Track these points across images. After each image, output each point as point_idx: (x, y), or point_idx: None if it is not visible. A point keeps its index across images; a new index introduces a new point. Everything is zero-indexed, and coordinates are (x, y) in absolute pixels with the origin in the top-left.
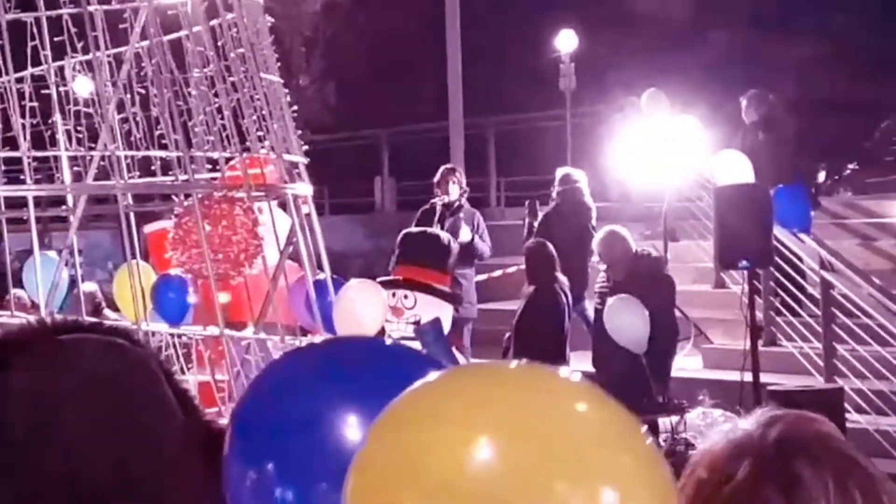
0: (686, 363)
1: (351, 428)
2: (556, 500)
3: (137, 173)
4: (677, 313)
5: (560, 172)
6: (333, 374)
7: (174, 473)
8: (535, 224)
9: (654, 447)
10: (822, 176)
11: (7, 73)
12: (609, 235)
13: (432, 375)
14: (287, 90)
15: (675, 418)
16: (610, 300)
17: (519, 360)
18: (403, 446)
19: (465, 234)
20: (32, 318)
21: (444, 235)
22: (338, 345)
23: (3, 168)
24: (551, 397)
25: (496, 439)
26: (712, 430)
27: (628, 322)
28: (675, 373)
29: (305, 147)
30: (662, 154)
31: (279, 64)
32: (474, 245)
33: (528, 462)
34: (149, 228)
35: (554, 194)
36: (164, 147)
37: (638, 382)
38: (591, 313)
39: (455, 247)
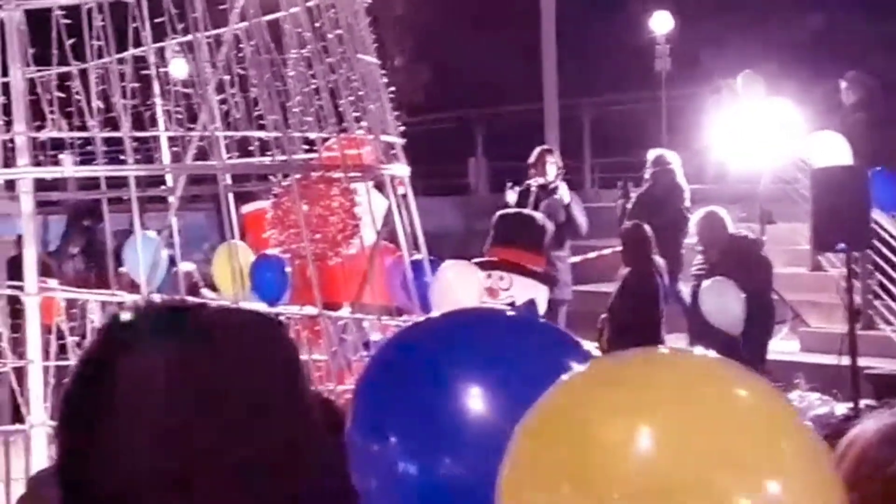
0: (783, 346)
1: (473, 400)
2: (720, 490)
3: (236, 154)
4: (774, 296)
5: (653, 154)
6: (455, 347)
7: (317, 447)
8: (628, 206)
9: (817, 436)
10: None
11: (108, 55)
12: (708, 216)
13: (585, 365)
14: (383, 71)
15: None
16: (705, 282)
17: (674, 347)
18: (563, 437)
19: (564, 195)
20: (135, 297)
21: (539, 216)
22: (458, 318)
23: (104, 148)
24: (711, 386)
25: (658, 430)
26: (808, 413)
27: (724, 304)
28: (771, 356)
29: (401, 128)
30: (758, 136)
31: (375, 45)
32: (573, 215)
33: (691, 452)
34: (247, 209)
35: (647, 176)
36: (262, 127)
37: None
38: (685, 295)
39: (550, 228)
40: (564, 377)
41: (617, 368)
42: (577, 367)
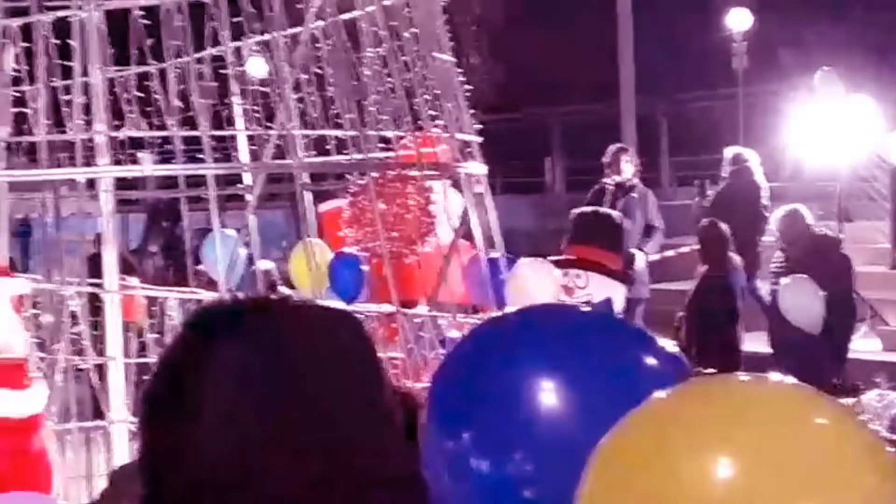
0: (863, 345)
1: (547, 396)
2: None
3: (313, 152)
4: (853, 294)
5: (730, 152)
6: (530, 343)
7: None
8: (706, 204)
9: None
10: None
11: (187, 55)
12: (790, 214)
13: (667, 392)
14: (459, 69)
15: (850, 400)
16: (784, 280)
17: (754, 375)
18: (643, 465)
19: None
20: (213, 295)
21: (617, 215)
22: (533, 314)
23: (183, 147)
24: (794, 416)
25: (739, 460)
26: (888, 413)
27: (803, 302)
28: (851, 354)
29: (477, 126)
30: (836, 134)
31: (451, 43)
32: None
33: (773, 484)
34: (324, 207)
35: (725, 174)
36: (338, 126)
37: (814, 363)
38: (764, 293)
39: (627, 226)
40: (646, 403)
41: (699, 396)
42: (659, 393)
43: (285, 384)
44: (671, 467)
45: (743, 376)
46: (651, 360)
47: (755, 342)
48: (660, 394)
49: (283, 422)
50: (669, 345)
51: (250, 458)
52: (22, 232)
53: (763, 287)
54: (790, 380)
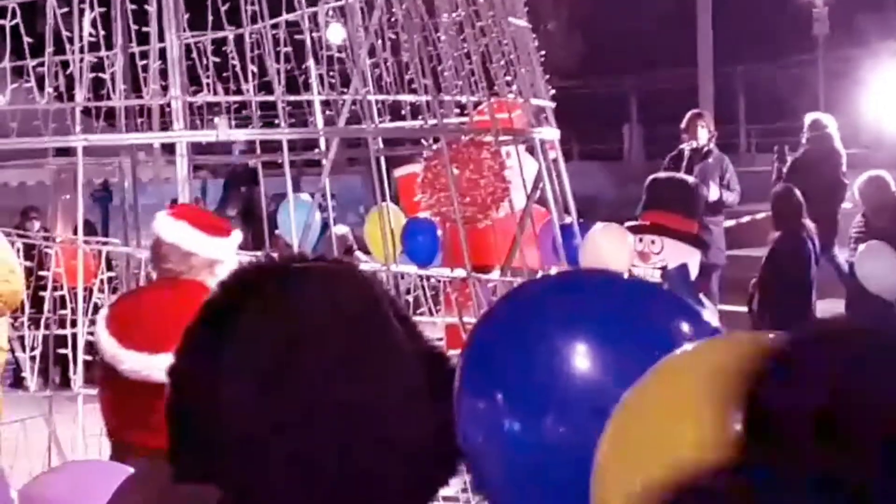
0: None
1: (581, 360)
2: None
3: (388, 118)
4: None
5: (809, 118)
6: (565, 306)
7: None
8: (784, 170)
9: None
10: None
11: (263, 20)
12: (874, 180)
13: (687, 347)
14: (534, 35)
15: None
16: (861, 247)
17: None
18: (655, 420)
19: (712, 193)
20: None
21: (692, 181)
22: (570, 278)
23: (259, 113)
24: None
25: None
26: None
27: (880, 269)
28: None
29: (553, 92)
30: None
31: (527, 9)
32: (721, 200)
33: None
34: (399, 172)
35: (803, 140)
36: (413, 92)
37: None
38: (841, 260)
39: (703, 192)
40: (667, 357)
41: (713, 352)
42: (682, 348)
43: (302, 346)
44: (683, 421)
45: (767, 334)
46: (687, 325)
47: (830, 309)
48: (683, 348)
49: (299, 381)
50: (707, 312)
51: (269, 416)
52: (102, 197)
53: (841, 255)
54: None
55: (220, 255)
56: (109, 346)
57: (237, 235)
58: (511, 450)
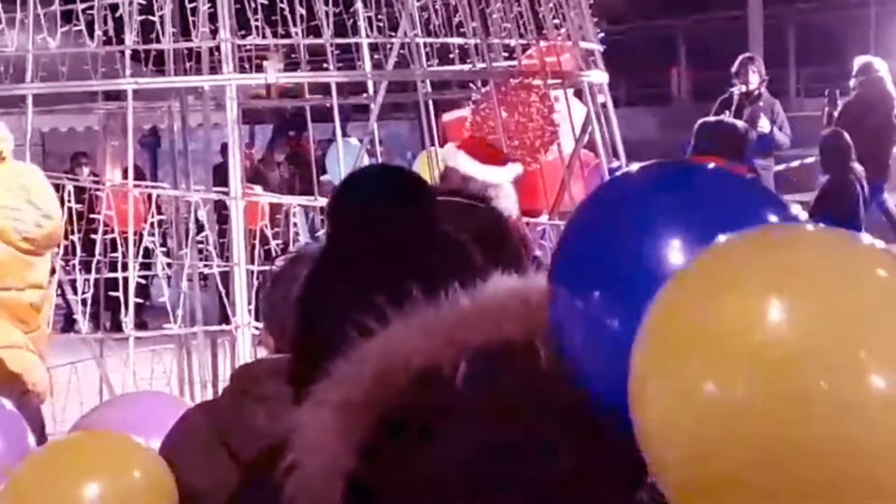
0: None
1: (675, 254)
2: (855, 370)
3: (436, 61)
4: None
5: (860, 62)
6: (656, 197)
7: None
8: (835, 114)
9: None
10: None
11: None
12: None
13: (728, 238)
14: None
15: None
16: None
17: (818, 225)
18: (695, 311)
19: (763, 125)
20: None
21: (741, 125)
22: (660, 169)
23: (307, 57)
24: (854, 263)
25: (794, 305)
26: None
27: None
28: None
29: (601, 35)
30: None
31: None
32: (773, 136)
33: (828, 330)
34: (447, 117)
35: (854, 84)
36: (462, 35)
37: None
38: (892, 205)
39: (752, 136)
40: (715, 242)
41: (761, 241)
42: (717, 241)
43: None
44: (719, 306)
45: (803, 226)
46: (776, 219)
47: None
48: (730, 235)
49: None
50: (799, 210)
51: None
52: (150, 142)
53: (891, 199)
54: (868, 238)
55: (494, 180)
56: None
57: (513, 167)
58: (612, 350)
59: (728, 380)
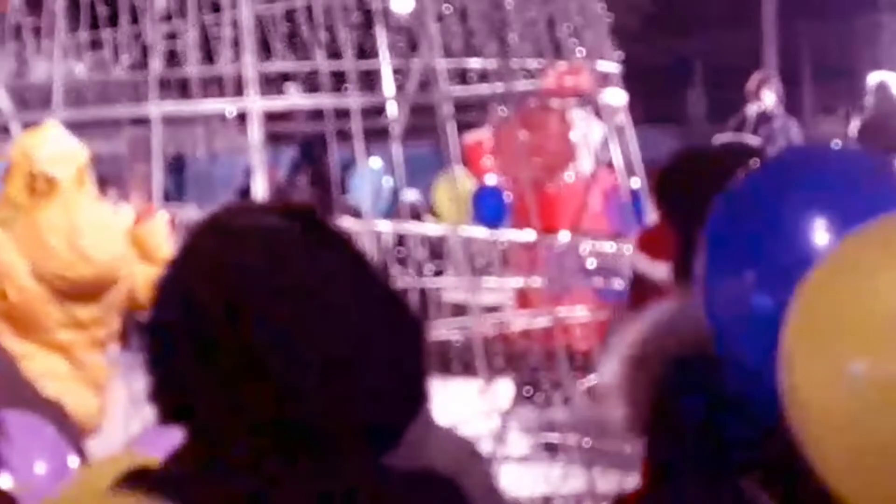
0: None
1: (821, 235)
2: None
3: (456, 83)
4: None
5: (874, 79)
6: (802, 182)
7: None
8: (850, 134)
9: None
10: None
11: None
12: None
13: (877, 220)
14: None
15: None
16: None
17: None
18: (847, 290)
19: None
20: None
21: (756, 143)
22: (806, 154)
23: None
24: None
25: None
26: None
27: None
28: None
29: (619, 54)
30: None
31: None
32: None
33: None
34: (468, 138)
35: (868, 103)
36: (481, 56)
37: None
38: None
39: (767, 155)
40: (862, 227)
41: None
42: (866, 223)
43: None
44: (872, 285)
45: None
46: None
47: None
48: (879, 218)
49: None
50: None
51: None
52: (175, 168)
53: None
54: None
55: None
56: None
57: None
58: (761, 327)
59: (880, 356)
